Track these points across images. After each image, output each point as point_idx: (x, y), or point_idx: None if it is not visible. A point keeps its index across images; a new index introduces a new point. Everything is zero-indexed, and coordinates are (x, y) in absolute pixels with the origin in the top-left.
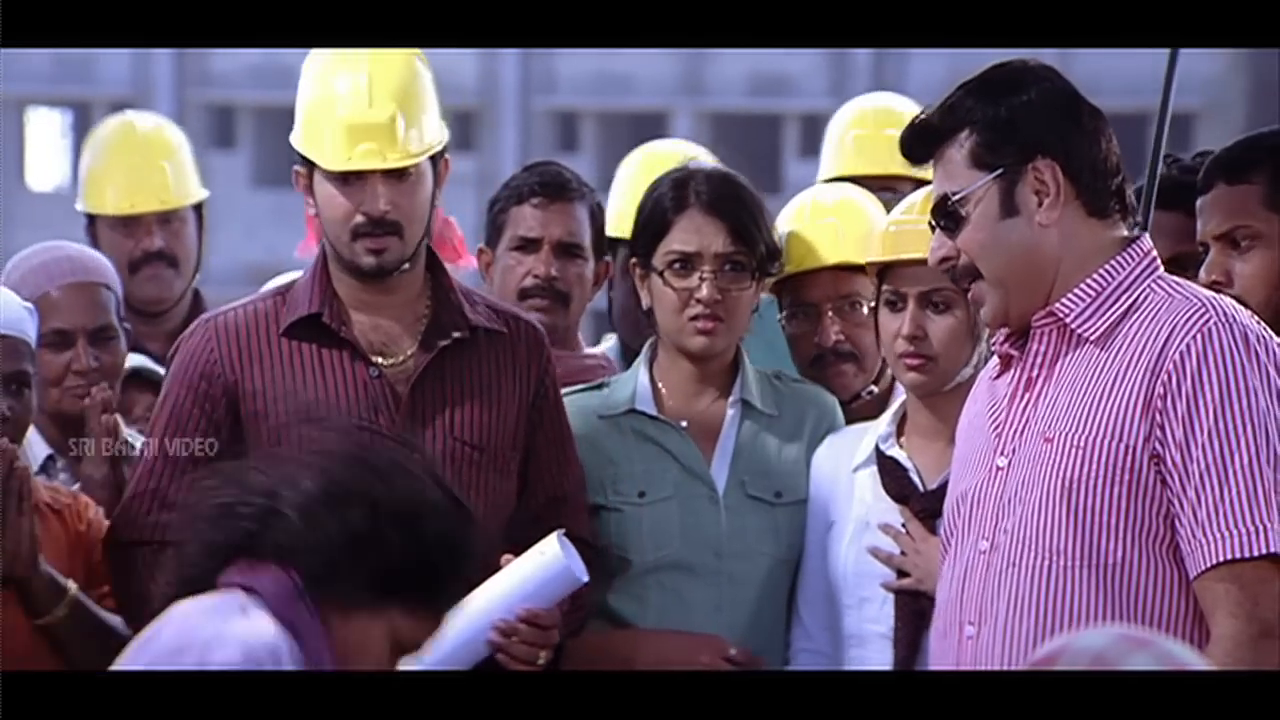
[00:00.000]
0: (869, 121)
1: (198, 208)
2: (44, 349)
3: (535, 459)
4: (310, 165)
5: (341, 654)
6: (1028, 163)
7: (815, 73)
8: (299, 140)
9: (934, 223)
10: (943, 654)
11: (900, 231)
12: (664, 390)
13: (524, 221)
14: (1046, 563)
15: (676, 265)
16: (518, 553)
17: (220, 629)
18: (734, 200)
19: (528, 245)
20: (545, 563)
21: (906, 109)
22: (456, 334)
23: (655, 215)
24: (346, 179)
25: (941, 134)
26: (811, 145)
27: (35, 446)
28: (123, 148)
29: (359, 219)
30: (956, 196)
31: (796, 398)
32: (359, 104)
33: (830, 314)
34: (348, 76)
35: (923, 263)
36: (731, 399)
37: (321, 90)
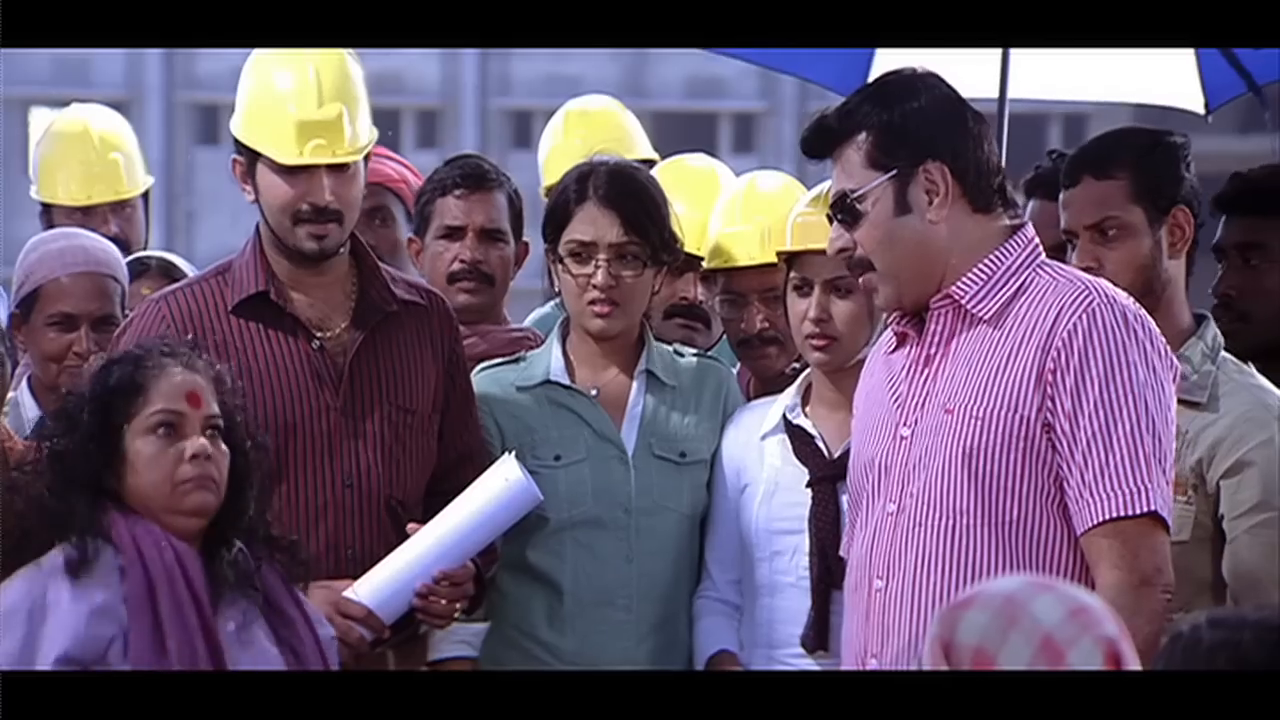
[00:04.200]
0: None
1: (145, 194)
2: (49, 328)
3: (448, 419)
4: (251, 155)
5: (137, 489)
6: (919, 165)
7: (746, 76)
8: (247, 133)
9: (833, 216)
10: (854, 606)
11: (806, 223)
12: (576, 363)
13: (448, 211)
14: (951, 522)
15: (575, 253)
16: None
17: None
18: (629, 194)
19: (453, 233)
20: (509, 486)
21: None
22: (388, 308)
23: (559, 207)
24: (294, 170)
25: (840, 135)
26: (743, 142)
27: (28, 410)
28: (77, 141)
29: (303, 207)
30: (855, 194)
31: (694, 369)
32: (309, 102)
33: (756, 304)
34: (294, 74)
35: (827, 252)
36: (637, 370)
37: (269, 86)
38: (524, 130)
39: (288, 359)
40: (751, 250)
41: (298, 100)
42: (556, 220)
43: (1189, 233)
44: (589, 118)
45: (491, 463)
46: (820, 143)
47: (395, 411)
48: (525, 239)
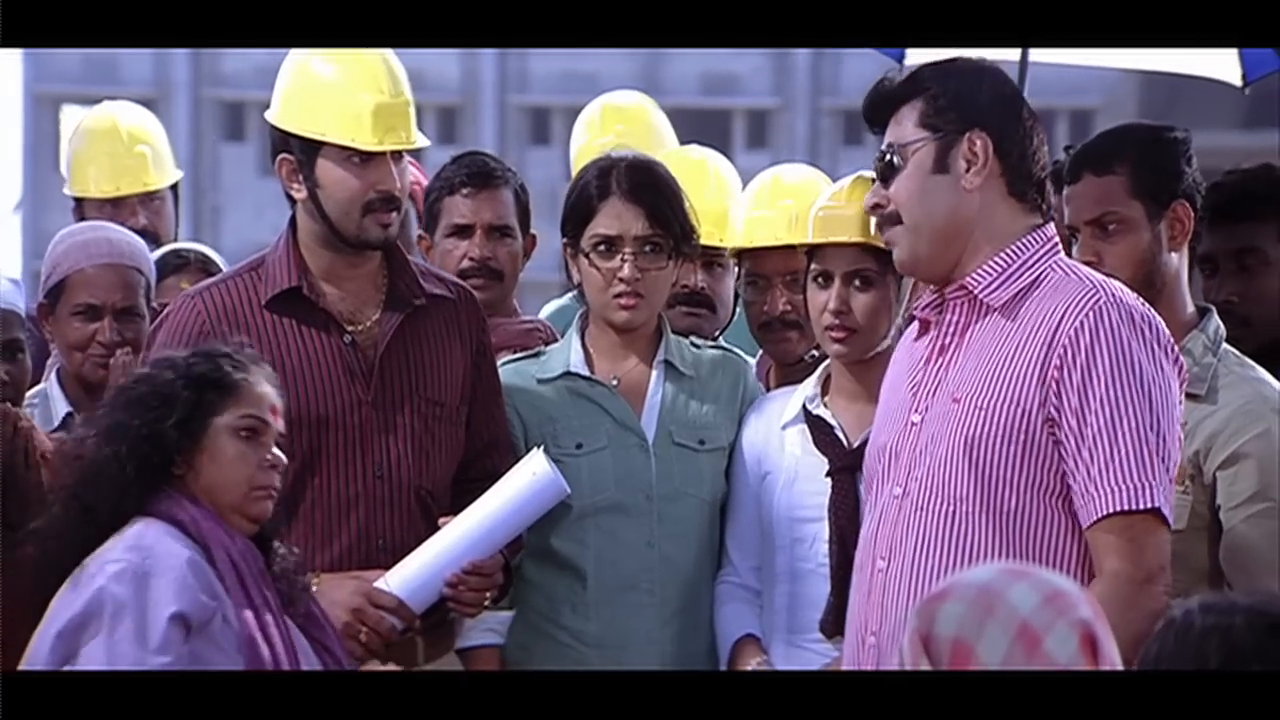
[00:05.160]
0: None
1: (174, 186)
2: (73, 317)
3: (475, 409)
4: (309, 150)
5: (210, 482)
6: (965, 132)
7: (760, 73)
8: (311, 125)
9: (875, 173)
10: (858, 585)
11: (829, 216)
12: (595, 355)
13: (456, 210)
14: (950, 508)
15: (600, 247)
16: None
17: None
18: (652, 188)
19: (461, 231)
20: (537, 479)
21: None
22: (417, 301)
23: (581, 201)
24: (363, 160)
25: (900, 97)
26: (757, 138)
27: (57, 404)
28: (106, 135)
29: (372, 195)
30: (899, 146)
31: (711, 360)
32: (384, 89)
33: (779, 287)
34: (360, 64)
35: (849, 245)
36: (656, 360)
37: (332, 77)
38: (542, 126)
39: (320, 354)
40: (778, 231)
41: (371, 88)
42: (579, 215)
43: (1189, 226)
44: (623, 113)
45: (517, 451)
46: (881, 104)
47: (425, 404)
48: (533, 232)
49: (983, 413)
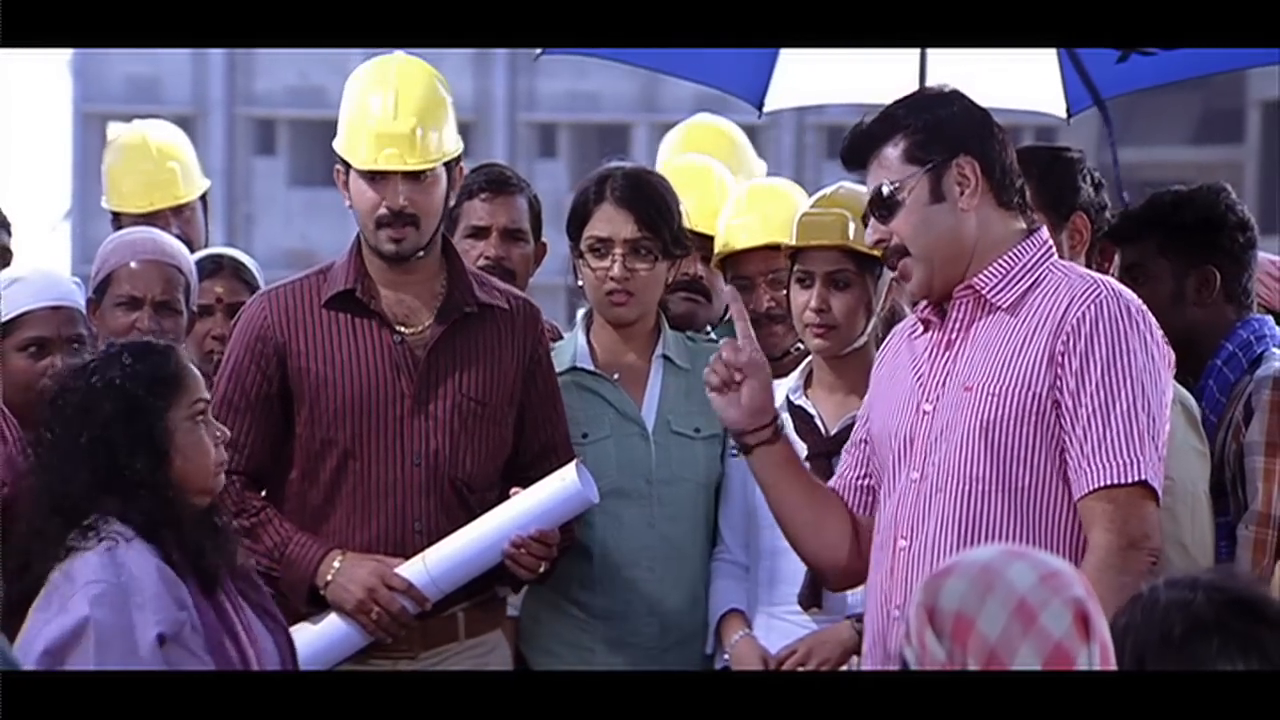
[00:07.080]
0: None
1: (203, 196)
2: (116, 309)
3: (530, 414)
4: (347, 165)
5: (180, 474)
6: (952, 159)
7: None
8: (339, 143)
9: (871, 212)
10: (879, 563)
11: (811, 221)
12: (598, 349)
13: (474, 213)
14: (968, 488)
15: (594, 248)
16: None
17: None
18: (643, 195)
19: (479, 233)
20: (565, 487)
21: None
22: (467, 309)
23: (580, 206)
24: (374, 177)
25: (879, 138)
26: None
27: None
28: (138, 153)
29: (382, 211)
30: (894, 186)
31: (707, 353)
32: (385, 116)
33: (763, 286)
34: (379, 93)
35: (829, 248)
36: (655, 354)
37: (356, 104)
38: (549, 141)
39: (370, 350)
40: (755, 233)
41: (376, 114)
42: (578, 219)
43: (1086, 236)
44: (705, 133)
45: (571, 456)
46: (862, 147)
47: (466, 401)
48: (544, 239)
49: (996, 399)
